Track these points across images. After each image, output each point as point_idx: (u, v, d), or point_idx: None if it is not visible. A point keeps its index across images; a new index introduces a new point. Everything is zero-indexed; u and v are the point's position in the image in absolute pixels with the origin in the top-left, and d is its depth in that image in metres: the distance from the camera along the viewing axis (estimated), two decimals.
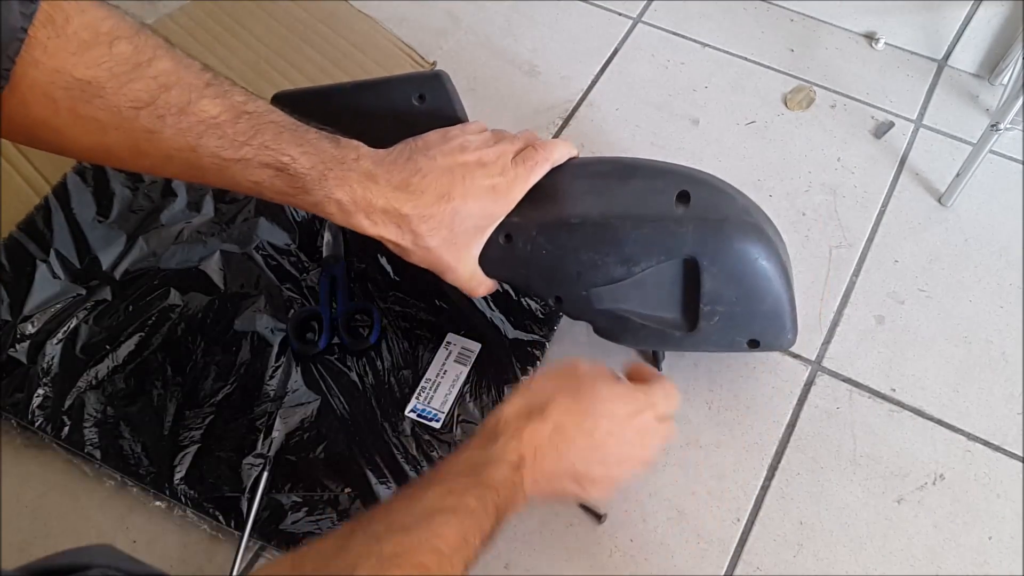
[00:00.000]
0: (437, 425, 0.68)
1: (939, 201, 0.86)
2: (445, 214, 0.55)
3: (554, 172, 0.60)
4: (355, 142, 0.55)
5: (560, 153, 0.60)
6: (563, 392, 0.52)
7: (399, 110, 0.63)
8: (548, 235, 0.59)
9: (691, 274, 0.59)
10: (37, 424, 0.67)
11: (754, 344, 0.64)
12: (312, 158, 0.51)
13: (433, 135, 0.58)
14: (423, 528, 0.44)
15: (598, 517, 0.65)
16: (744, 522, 0.66)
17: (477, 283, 0.61)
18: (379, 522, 0.44)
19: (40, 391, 0.68)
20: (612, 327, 0.64)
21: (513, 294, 0.75)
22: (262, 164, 0.50)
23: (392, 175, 0.54)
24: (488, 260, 0.60)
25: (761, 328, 0.63)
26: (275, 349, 0.71)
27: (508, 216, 0.58)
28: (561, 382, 0.53)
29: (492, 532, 0.48)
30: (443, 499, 0.46)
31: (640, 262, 0.59)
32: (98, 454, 0.66)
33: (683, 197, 0.58)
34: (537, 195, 0.59)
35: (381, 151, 0.56)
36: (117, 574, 0.31)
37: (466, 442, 0.51)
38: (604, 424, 0.52)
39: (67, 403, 0.68)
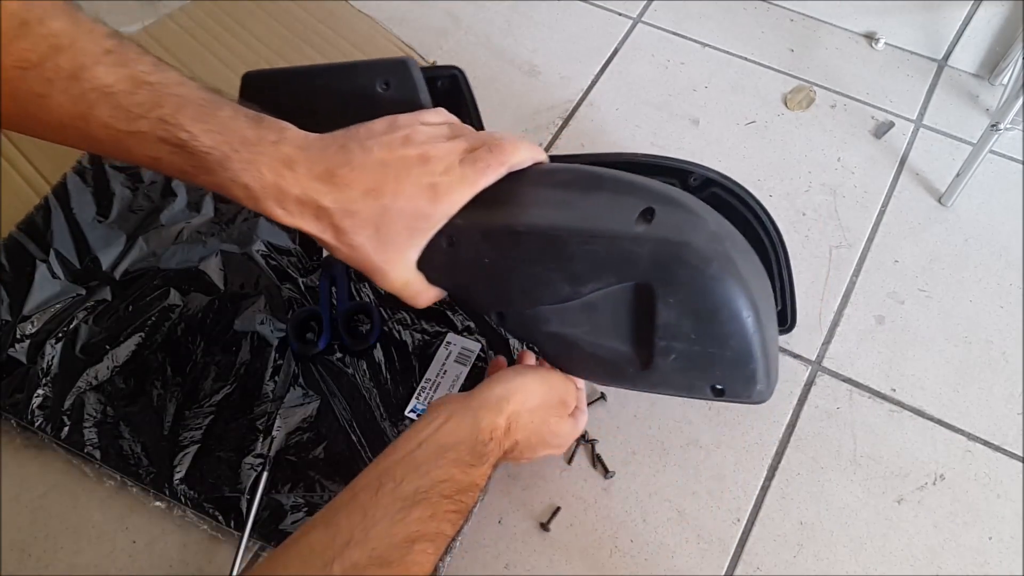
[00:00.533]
0: None
1: (939, 201, 0.86)
2: (372, 211, 0.50)
3: (513, 177, 0.54)
4: (282, 124, 0.50)
5: (520, 157, 0.54)
6: (521, 393, 0.57)
7: (363, 95, 0.58)
8: (493, 242, 0.53)
9: (645, 303, 0.52)
10: (37, 424, 0.67)
11: (719, 392, 0.55)
12: (215, 137, 0.47)
13: (379, 123, 0.52)
14: (407, 561, 0.45)
15: (606, 471, 0.68)
16: (744, 522, 0.66)
17: (415, 291, 0.55)
18: (357, 547, 0.44)
19: (40, 391, 0.68)
20: (559, 353, 0.58)
21: None
22: (159, 139, 0.46)
23: (315, 163, 0.49)
24: (430, 265, 0.54)
25: (725, 375, 0.53)
26: (275, 349, 0.71)
27: (452, 219, 0.52)
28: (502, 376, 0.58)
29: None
30: (426, 525, 0.47)
31: (588, 282, 0.52)
32: (98, 454, 0.66)
33: (647, 214, 0.51)
34: (488, 199, 0.53)
35: (312, 136, 0.51)
36: None
37: (453, 434, 0.52)
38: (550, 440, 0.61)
39: (67, 403, 0.68)
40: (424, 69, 0.61)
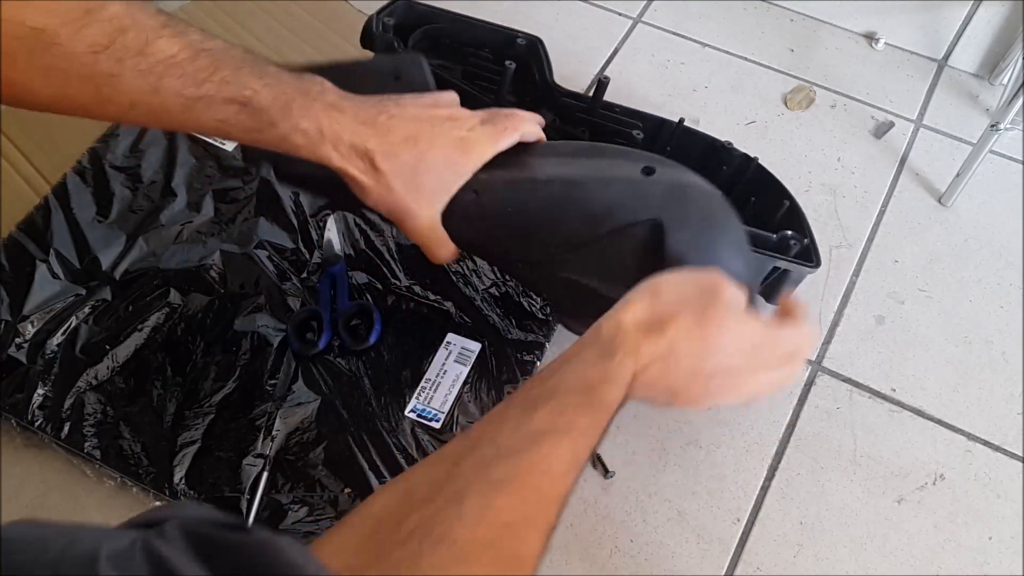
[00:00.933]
0: (437, 425, 0.68)
1: (939, 201, 0.86)
2: (410, 156, 0.55)
3: (521, 147, 0.60)
4: (318, 76, 0.54)
5: (528, 128, 0.60)
6: (688, 310, 0.48)
7: (376, 89, 0.62)
8: (515, 190, 0.58)
9: (655, 239, 0.57)
10: (37, 424, 0.67)
11: None
12: (274, 90, 0.51)
13: (406, 95, 0.58)
14: (533, 451, 0.42)
15: (606, 472, 0.67)
16: (744, 522, 0.66)
17: (438, 240, 0.59)
18: (487, 445, 0.43)
19: (40, 391, 0.68)
20: (573, 301, 0.62)
21: (514, 295, 0.75)
22: (225, 100, 0.50)
23: (359, 110, 0.54)
24: (453, 216, 0.58)
25: None
26: (275, 349, 0.71)
27: (477, 173, 0.57)
28: (691, 297, 0.49)
29: (599, 444, 0.46)
30: (555, 420, 0.44)
31: (605, 222, 0.57)
32: (98, 454, 0.66)
33: (648, 171, 0.58)
34: (505, 160, 0.59)
35: (345, 91, 0.55)
36: (202, 523, 0.30)
37: (578, 347, 0.48)
38: (718, 357, 0.48)
39: (67, 403, 0.68)
40: (505, 28, 0.74)
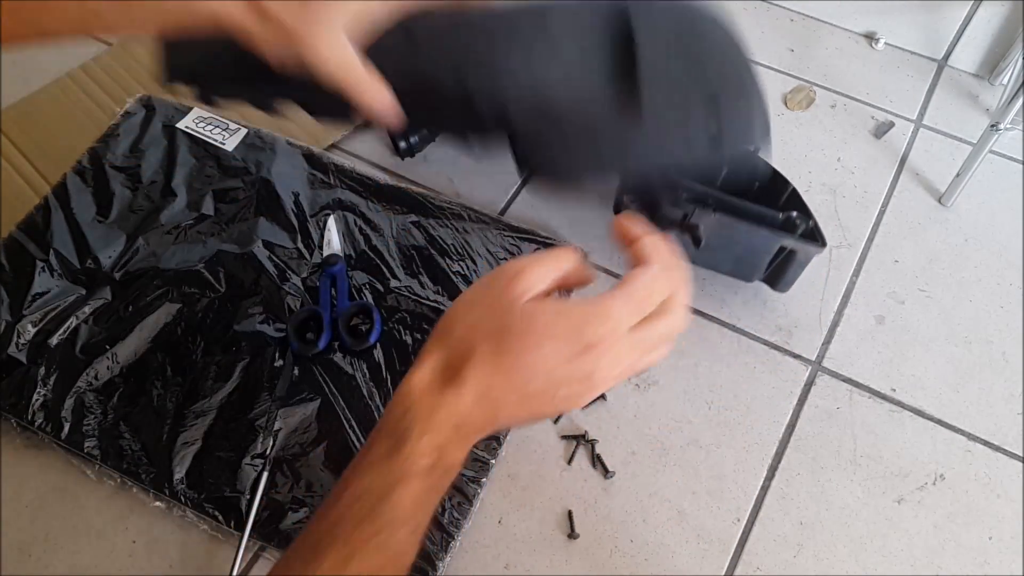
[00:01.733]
0: None
1: (939, 201, 0.86)
2: None
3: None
4: None
5: None
6: (483, 339, 0.40)
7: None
8: (453, 16, 0.49)
9: (622, 35, 0.47)
10: (37, 424, 0.67)
11: (715, 141, 0.48)
12: None
13: None
14: None
15: (606, 472, 0.67)
16: (744, 522, 0.66)
17: (359, 77, 0.46)
18: None
19: (40, 391, 0.68)
20: (536, 131, 0.49)
21: None
22: None
23: None
24: (381, 50, 0.48)
25: (721, 113, 0.48)
26: (275, 349, 0.71)
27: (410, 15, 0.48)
28: (483, 320, 0.41)
29: (415, 550, 0.40)
30: (344, 567, 0.38)
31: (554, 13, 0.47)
32: (98, 454, 0.66)
33: None
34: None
35: None
36: None
37: (371, 440, 0.41)
38: (540, 375, 0.40)
39: (67, 403, 0.68)
40: None
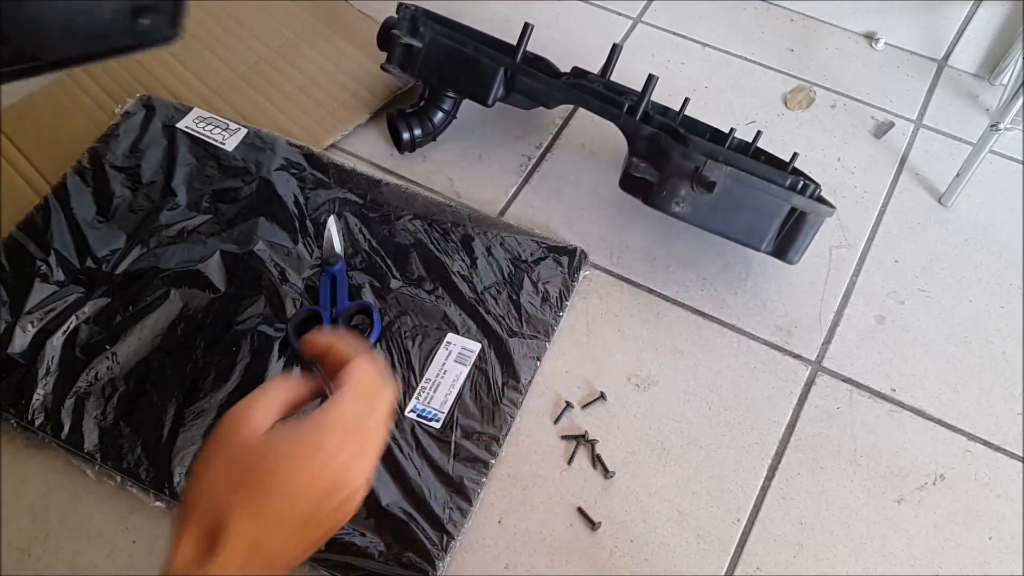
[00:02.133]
0: (437, 425, 0.68)
1: (939, 201, 0.86)
2: None
3: None
4: None
5: None
6: (235, 491, 0.39)
7: None
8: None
9: None
10: (37, 424, 0.67)
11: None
12: None
13: None
14: None
15: (606, 472, 0.67)
16: (744, 522, 0.66)
17: None
18: None
19: (40, 391, 0.68)
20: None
21: (514, 295, 0.75)
22: None
23: None
24: None
25: None
26: (275, 349, 0.71)
27: None
28: (226, 475, 0.40)
29: None
30: None
31: None
32: (98, 454, 0.66)
33: None
34: None
35: None
36: None
37: None
38: (303, 500, 0.40)
39: (67, 403, 0.68)
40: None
